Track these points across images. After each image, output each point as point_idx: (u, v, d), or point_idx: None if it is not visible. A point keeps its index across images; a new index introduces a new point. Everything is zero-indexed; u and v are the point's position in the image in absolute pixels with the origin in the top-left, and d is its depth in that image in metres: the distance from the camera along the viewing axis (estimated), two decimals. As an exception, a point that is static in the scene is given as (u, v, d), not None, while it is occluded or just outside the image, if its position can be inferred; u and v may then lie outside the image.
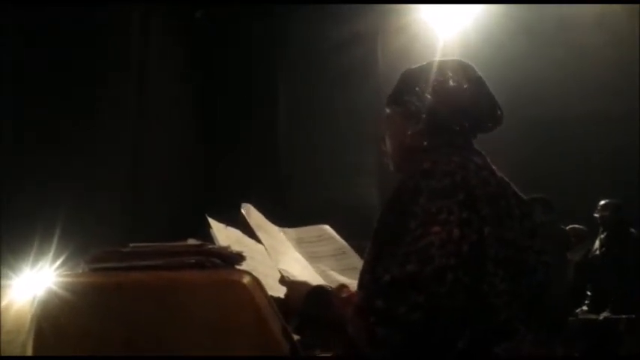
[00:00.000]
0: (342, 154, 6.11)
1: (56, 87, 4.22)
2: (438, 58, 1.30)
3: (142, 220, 5.02)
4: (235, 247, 1.30)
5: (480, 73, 1.28)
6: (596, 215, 4.65)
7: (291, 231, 1.57)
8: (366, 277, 1.16)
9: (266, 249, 1.37)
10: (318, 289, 1.21)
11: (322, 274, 1.43)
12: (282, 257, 1.39)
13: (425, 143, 1.25)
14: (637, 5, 5.75)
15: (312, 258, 1.51)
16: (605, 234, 4.63)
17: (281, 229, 1.56)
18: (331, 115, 6.23)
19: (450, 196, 1.07)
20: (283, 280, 1.27)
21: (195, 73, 6.45)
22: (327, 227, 1.65)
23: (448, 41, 5.75)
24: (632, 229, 4.59)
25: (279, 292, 1.27)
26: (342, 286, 1.19)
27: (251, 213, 1.44)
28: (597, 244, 4.67)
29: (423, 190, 1.08)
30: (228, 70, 6.57)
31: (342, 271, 1.48)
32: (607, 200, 4.63)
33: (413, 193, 1.09)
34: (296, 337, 1.22)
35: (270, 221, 1.55)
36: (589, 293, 4.61)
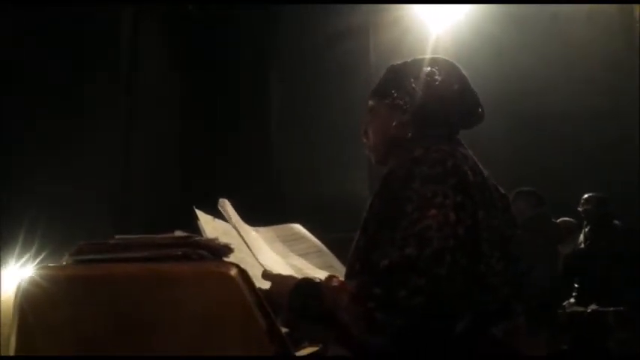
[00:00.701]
0: (334, 148, 6.11)
1: (46, 85, 4.19)
2: (427, 52, 1.35)
3: (130, 215, 5.00)
4: (223, 239, 1.29)
5: (464, 72, 1.31)
6: (579, 209, 4.69)
7: (264, 230, 1.55)
8: (357, 266, 1.16)
9: (246, 244, 1.34)
10: (307, 281, 1.19)
11: (299, 271, 1.40)
12: (260, 253, 1.37)
13: (410, 134, 1.27)
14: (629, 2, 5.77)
15: (287, 256, 1.48)
16: (588, 227, 4.67)
17: (254, 227, 1.52)
18: (323, 109, 6.23)
19: (443, 181, 1.08)
20: (266, 274, 1.25)
21: (187, 70, 6.43)
22: (298, 226, 1.63)
23: (440, 35, 5.75)
24: (616, 222, 4.62)
25: (267, 284, 1.26)
26: (332, 277, 1.17)
27: (227, 208, 1.41)
28: (582, 237, 4.71)
29: (416, 176, 1.09)
30: (219, 66, 6.55)
31: (322, 268, 1.45)
32: (590, 194, 4.66)
33: (405, 180, 1.10)
34: (284, 329, 1.21)
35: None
36: (576, 286, 4.64)
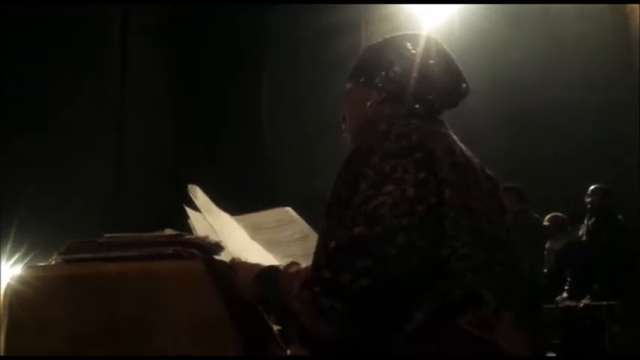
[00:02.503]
0: (327, 141, 6.08)
1: (39, 83, 4.15)
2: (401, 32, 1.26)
3: (123, 214, 4.97)
4: (214, 237, 1.28)
5: (446, 48, 1.24)
6: (586, 200, 4.58)
7: (247, 217, 1.49)
8: (322, 254, 1.06)
9: (216, 231, 1.29)
10: (268, 269, 1.12)
11: (282, 260, 1.33)
12: (233, 240, 1.32)
13: (387, 112, 1.19)
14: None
15: (270, 244, 1.42)
16: (593, 219, 4.55)
17: (235, 216, 1.48)
18: (315, 103, 6.22)
19: (405, 155, 0.99)
20: (233, 263, 1.19)
21: (179, 68, 6.40)
22: (288, 210, 1.56)
23: (432, 30, 5.75)
24: (620, 216, 4.54)
25: None
26: (293, 263, 1.10)
27: (198, 195, 1.36)
28: (584, 229, 4.61)
29: (376, 151, 1.01)
30: (211, 64, 6.53)
31: (303, 256, 1.36)
32: (596, 185, 4.57)
33: (365, 156, 1.02)
34: (276, 327, 1.21)
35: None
36: (569, 279, 4.57)
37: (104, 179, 5.00)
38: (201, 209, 1.33)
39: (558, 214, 4.87)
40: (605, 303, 4.19)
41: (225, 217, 1.45)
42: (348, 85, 1.29)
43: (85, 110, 4.69)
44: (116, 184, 5.19)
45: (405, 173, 0.97)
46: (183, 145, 6.34)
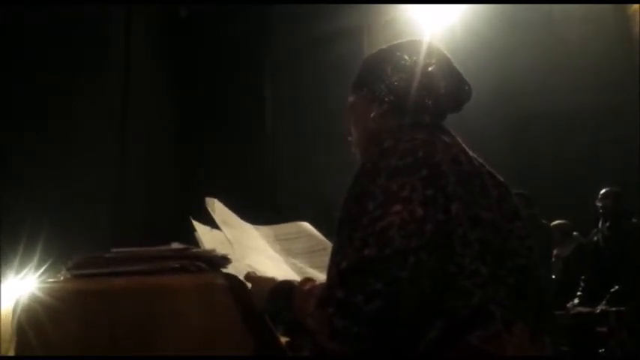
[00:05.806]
0: (330, 148, 6.08)
1: (38, 91, 4.16)
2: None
3: (122, 213, 4.97)
4: (221, 250, 1.28)
5: (446, 53, 1.23)
6: (598, 204, 4.47)
7: (265, 228, 1.51)
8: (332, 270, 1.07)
9: (231, 244, 1.30)
10: (283, 284, 1.13)
11: (299, 270, 1.35)
12: (250, 252, 1.33)
13: (390, 124, 1.18)
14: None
15: (287, 255, 1.43)
16: (607, 223, 4.44)
17: (255, 226, 1.49)
18: (316, 105, 6.22)
19: (412, 173, 0.98)
20: (249, 276, 1.21)
21: (180, 63, 6.42)
22: (305, 224, 1.57)
23: (435, 36, 5.75)
24: (634, 220, 4.42)
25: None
26: (307, 280, 1.11)
27: (216, 207, 1.37)
28: (599, 234, 4.49)
29: (382, 170, 1.00)
30: (213, 65, 6.54)
31: (319, 268, 1.39)
32: (608, 188, 4.46)
33: (372, 174, 1.01)
34: (284, 339, 1.21)
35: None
36: (582, 285, 4.50)
37: (105, 180, 4.97)
38: (219, 222, 1.33)
39: (563, 221, 4.79)
40: (614, 309, 4.11)
41: (246, 227, 1.46)
42: (350, 99, 1.29)
43: (85, 110, 4.68)
44: (117, 185, 5.17)
45: (413, 192, 0.97)
46: (183, 145, 6.35)
